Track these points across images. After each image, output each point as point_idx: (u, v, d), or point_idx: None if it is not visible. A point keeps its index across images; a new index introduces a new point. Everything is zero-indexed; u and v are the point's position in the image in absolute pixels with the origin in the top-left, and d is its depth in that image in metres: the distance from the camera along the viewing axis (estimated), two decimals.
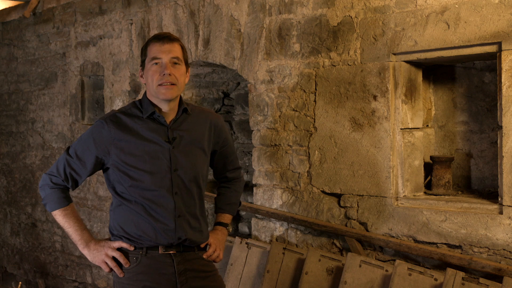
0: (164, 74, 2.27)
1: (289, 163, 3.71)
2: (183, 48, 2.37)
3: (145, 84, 2.39)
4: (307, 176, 3.62)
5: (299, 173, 3.66)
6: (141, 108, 2.37)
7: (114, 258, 2.34)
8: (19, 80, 6.15)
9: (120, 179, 2.33)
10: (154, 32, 4.55)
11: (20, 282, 5.73)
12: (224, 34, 4.04)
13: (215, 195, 2.70)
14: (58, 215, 2.39)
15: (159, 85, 2.29)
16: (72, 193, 5.45)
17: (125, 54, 4.83)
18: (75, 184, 2.41)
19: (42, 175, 2.46)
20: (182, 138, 2.37)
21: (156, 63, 2.30)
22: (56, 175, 2.39)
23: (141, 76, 2.39)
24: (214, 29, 4.12)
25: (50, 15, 5.67)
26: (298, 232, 3.70)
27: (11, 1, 5.85)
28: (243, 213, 4.96)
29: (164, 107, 2.36)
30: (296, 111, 3.66)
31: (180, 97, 2.42)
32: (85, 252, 2.37)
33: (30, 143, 6.02)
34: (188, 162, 2.37)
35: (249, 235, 4.33)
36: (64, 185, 2.40)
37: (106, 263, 2.34)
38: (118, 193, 2.36)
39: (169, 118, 2.38)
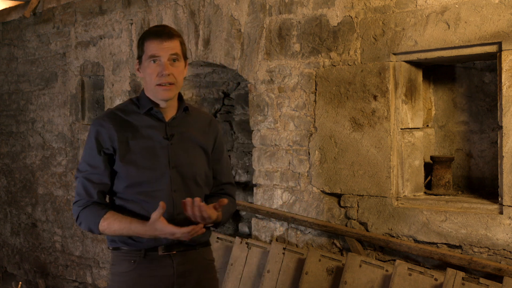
0: (162, 75, 2.23)
1: (289, 163, 3.71)
2: (182, 42, 2.31)
3: (142, 78, 2.33)
4: (307, 176, 3.62)
5: (299, 173, 3.66)
6: (139, 104, 2.33)
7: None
8: (19, 80, 6.16)
9: (118, 177, 2.26)
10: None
11: (20, 282, 5.73)
12: (224, 34, 4.04)
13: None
14: (105, 228, 2.21)
15: (157, 85, 2.25)
16: (69, 196, 5.45)
17: (125, 54, 4.83)
18: (103, 194, 2.28)
19: (72, 212, 2.32)
20: (181, 136, 2.32)
21: (154, 61, 2.24)
22: (79, 199, 2.27)
23: (138, 70, 2.34)
24: (214, 29, 4.12)
25: (50, 15, 5.67)
26: (298, 232, 3.70)
27: (11, 1, 5.85)
28: (243, 213, 4.96)
29: (162, 104, 2.31)
30: (296, 111, 3.66)
31: (180, 95, 2.38)
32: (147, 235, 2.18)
33: (30, 143, 6.02)
34: (187, 160, 2.31)
35: (249, 235, 4.33)
36: (92, 201, 2.26)
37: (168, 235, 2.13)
38: (115, 193, 2.29)
39: (168, 114, 2.33)
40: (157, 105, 2.31)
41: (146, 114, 2.31)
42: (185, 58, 2.33)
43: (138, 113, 2.31)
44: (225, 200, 2.21)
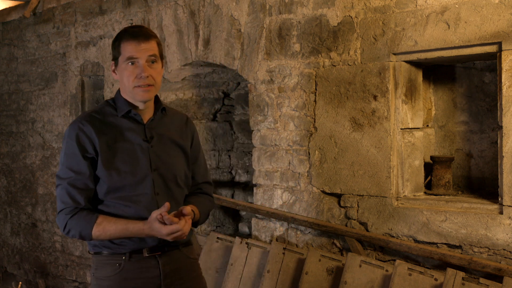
0: (141, 77, 2.19)
1: (289, 163, 3.71)
2: (158, 43, 2.28)
3: (117, 80, 2.29)
4: (307, 176, 3.62)
5: (299, 173, 3.66)
6: (115, 106, 2.28)
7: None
8: (19, 80, 6.16)
9: (100, 181, 2.21)
10: (154, 32, 4.54)
11: (20, 282, 5.73)
12: (224, 34, 4.04)
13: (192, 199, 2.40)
14: (100, 233, 2.16)
15: (136, 86, 2.21)
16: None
17: None
18: (89, 200, 2.20)
19: (57, 221, 2.21)
20: (160, 137, 2.30)
21: (132, 63, 2.19)
22: (65, 207, 2.19)
23: (114, 71, 2.28)
24: (214, 29, 4.12)
25: (50, 15, 5.67)
26: (298, 232, 3.70)
27: (11, 1, 5.85)
28: (243, 213, 4.96)
29: (141, 105, 2.28)
30: (296, 111, 3.66)
31: (157, 96, 2.35)
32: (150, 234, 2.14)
33: (30, 143, 6.02)
34: (168, 161, 2.29)
35: (249, 235, 4.33)
36: (80, 207, 2.19)
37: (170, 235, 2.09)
38: (98, 198, 2.23)
39: (146, 116, 2.30)
40: (134, 107, 2.28)
41: (124, 117, 2.27)
42: (162, 58, 2.30)
43: (115, 115, 2.27)
44: (188, 208, 2.17)
